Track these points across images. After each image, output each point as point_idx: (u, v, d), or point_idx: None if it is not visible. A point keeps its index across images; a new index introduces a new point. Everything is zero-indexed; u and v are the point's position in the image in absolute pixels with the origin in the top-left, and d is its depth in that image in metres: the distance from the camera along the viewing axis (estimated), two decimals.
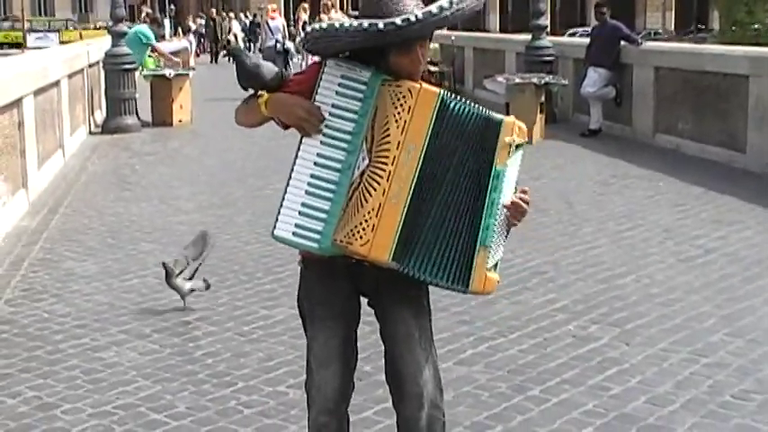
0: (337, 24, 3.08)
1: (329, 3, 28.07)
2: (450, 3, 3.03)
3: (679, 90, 13.40)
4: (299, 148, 3.12)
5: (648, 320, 5.94)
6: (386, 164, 3.04)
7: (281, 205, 3.09)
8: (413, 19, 2.97)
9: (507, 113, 14.15)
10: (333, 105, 3.09)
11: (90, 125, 16.49)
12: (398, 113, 3.06)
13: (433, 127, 3.05)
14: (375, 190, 3.04)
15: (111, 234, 8.53)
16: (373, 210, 3.03)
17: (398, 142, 3.04)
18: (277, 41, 23.95)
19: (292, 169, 3.11)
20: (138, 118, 16.55)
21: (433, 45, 20.22)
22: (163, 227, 8.79)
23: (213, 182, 11.20)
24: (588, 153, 13.09)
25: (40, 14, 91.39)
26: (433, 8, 3.01)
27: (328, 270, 3.22)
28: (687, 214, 9.04)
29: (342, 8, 41.68)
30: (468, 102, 3.10)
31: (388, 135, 3.05)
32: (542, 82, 14.41)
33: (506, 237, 3.20)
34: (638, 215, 8.99)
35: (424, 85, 3.11)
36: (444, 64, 22.84)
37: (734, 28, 45.14)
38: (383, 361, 3.35)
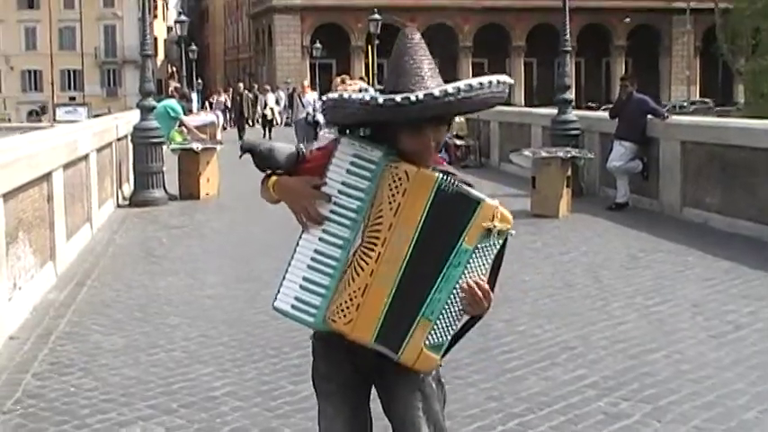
0: (345, 95, 3.12)
1: (348, 77, 29.03)
2: (458, 90, 2.99)
3: (706, 164, 13.38)
4: None
5: (680, 397, 5.86)
6: (376, 245, 3.03)
7: (284, 278, 3.12)
8: (413, 99, 2.97)
9: (533, 187, 14.28)
10: (342, 183, 3.10)
11: (118, 198, 16.62)
12: (393, 196, 3.03)
13: (428, 212, 3.02)
14: (363, 270, 3.03)
15: (139, 307, 8.54)
16: (359, 289, 3.03)
17: (390, 224, 3.03)
18: (308, 114, 24.93)
19: (297, 243, 3.13)
20: (166, 191, 16.68)
21: (459, 119, 20.38)
22: (190, 301, 8.79)
23: (240, 255, 11.22)
24: (615, 227, 13.05)
25: (69, 89, 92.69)
26: (436, 91, 2.98)
27: (331, 344, 3.20)
28: (716, 289, 8.96)
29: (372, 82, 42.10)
30: (460, 184, 3.05)
31: (381, 216, 3.04)
32: (568, 156, 14.42)
33: (457, 325, 3.08)
34: (667, 290, 8.92)
35: (422, 169, 3.05)
36: (470, 137, 22.97)
37: (761, 100, 45.23)
38: None
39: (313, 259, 3.08)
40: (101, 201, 14.13)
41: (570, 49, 17.48)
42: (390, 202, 3.03)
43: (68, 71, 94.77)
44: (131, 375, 6.49)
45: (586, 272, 9.76)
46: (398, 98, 2.97)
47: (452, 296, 3.03)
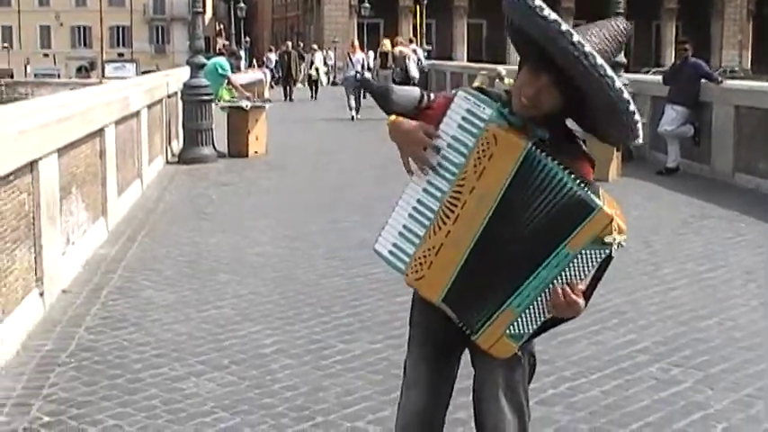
0: None
1: (399, 39, 29.74)
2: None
3: (759, 129, 13.21)
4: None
5: (733, 365, 5.81)
6: (456, 206, 3.01)
7: (387, 222, 3.15)
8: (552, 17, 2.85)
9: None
10: (452, 137, 3.06)
11: (167, 155, 16.70)
12: (479, 158, 2.98)
13: (511, 180, 2.95)
14: (440, 229, 3.03)
15: (189, 264, 8.59)
16: (434, 248, 3.04)
17: (472, 187, 2.99)
18: (357, 72, 26.77)
19: (404, 191, 3.14)
20: (215, 149, 16.73)
21: (509, 80, 20.24)
22: (239, 258, 8.82)
23: (289, 214, 11.25)
24: (665, 192, 12.93)
25: (118, 45, 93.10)
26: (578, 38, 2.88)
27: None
28: None
29: (417, 43, 41.86)
30: (559, 165, 2.92)
31: (465, 177, 3.01)
32: None
33: (542, 322, 3.02)
34: (719, 256, 8.84)
35: (512, 134, 2.97)
36: None
37: None
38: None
39: (414, 209, 3.09)
40: (151, 157, 14.20)
41: (622, 11, 17.24)
42: (476, 165, 2.98)
43: (117, 27, 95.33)
44: (182, 331, 6.54)
45: (636, 237, 9.67)
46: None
47: (543, 294, 2.97)
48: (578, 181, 2.92)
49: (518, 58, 3.17)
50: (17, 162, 6.41)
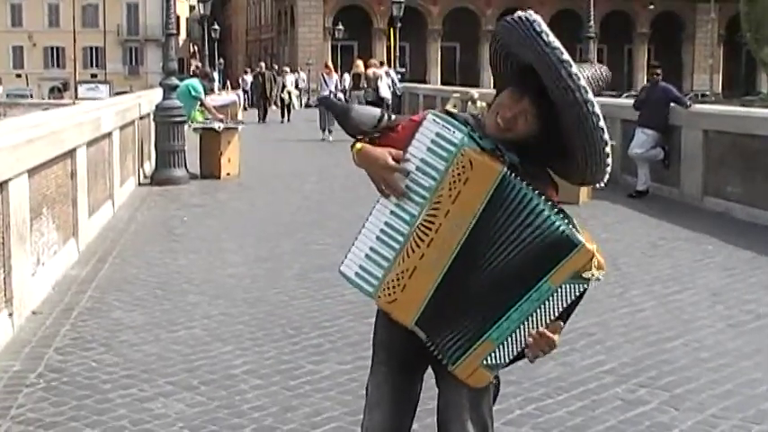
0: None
1: (373, 61, 30.56)
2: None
3: (728, 153, 13.35)
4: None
5: (698, 385, 5.87)
6: (430, 229, 3.03)
7: (353, 244, 3.15)
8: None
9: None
10: (421, 160, 3.07)
11: (139, 176, 16.69)
12: (454, 182, 3.00)
13: (486, 205, 2.97)
14: (413, 252, 3.04)
15: (160, 285, 8.59)
16: (407, 270, 3.05)
17: (447, 210, 3.01)
18: (331, 92, 27.47)
19: (371, 212, 3.16)
20: (187, 170, 16.74)
21: (481, 104, 20.38)
22: (210, 279, 8.83)
23: (261, 235, 11.27)
24: (635, 214, 13.04)
25: (91, 66, 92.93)
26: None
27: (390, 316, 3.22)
28: (737, 278, 8.96)
29: (390, 65, 42.01)
30: (534, 191, 2.96)
31: (440, 201, 3.02)
32: None
33: (516, 355, 3.05)
34: (687, 278, 8.92)
35: (487, 158, 3.01)
36: None
37: None
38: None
39: (382, 231, 3.10)
40: (123, 178, 14.19)
41: (594, 35, 17.42)
42: (451, 188, 3.00)
43: (90, 48, 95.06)
44: (152, 352, 6.54)
45: (606, 259, 9.66)
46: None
47: (522, 326, 3.00)
48: (554, 209, 2.96)
49: (491, 81, 3.23)
50: None
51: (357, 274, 3.13)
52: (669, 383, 5.90)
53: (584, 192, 13.63)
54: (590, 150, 3.03)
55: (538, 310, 2.98)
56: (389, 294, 3.07)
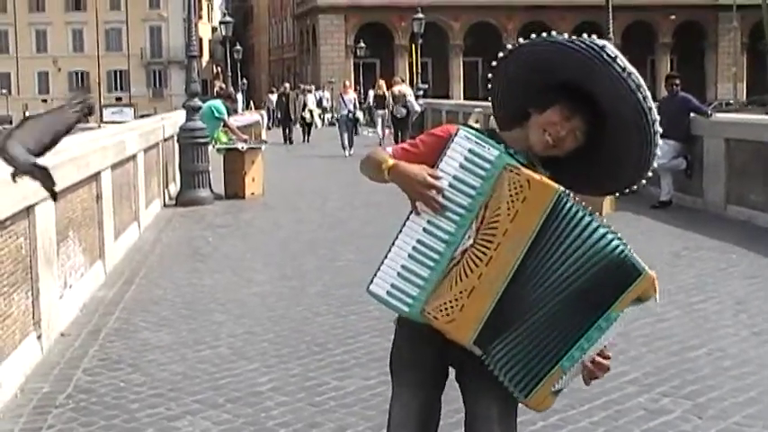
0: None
1: (397, 78, 31.28)
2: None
3: (750, 161, 13.33)
4: (411, 212, 3.12)
5: (721, 394, 5.89)
6: (488, 248, 3.02)
7: (382, 263, 3.10)
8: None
9: None
10: (454, 177, 3.07)
11: (164, 198, 16.82)
12: (512, 201, 3.00)
13: (542, 223, 3.00)
14: (472, 272, 3.02)
15: (185, 305, 8.68)
16: (466, 290, 3.02)
17: (506, 229, 3.01)
18: (349, 111, 28.93)
19: (401, 230, 3.11)
20: (212, 191, 16.86)
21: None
22: (235, 298, 8.91)
23: (285, 254, 11.34)
24: (659, 225, 13.03)
25: (116, 90, 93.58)
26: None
27: (419, 334, 3.22)
28: (760, 287, 8.95)
29: (412, 84, 42.21)
30: (590, 212, 3.01)
31: (498, 220, 3.01)
32: None
33: (574, 375, 3.11)
34: (710, 287, 8.93)
35: (545, 178, 3.04)
36: None
37: None
38: None
39: (414, 249, 3.07)
40: (148, 200, 14.32)
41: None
42: (509, 207, 3.00)
43: (114, 72, 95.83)
44: (179, 371, 6.62)
45: None
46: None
47: (585, 354, 3.05)
48: (606, 226, 3.02)
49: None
50: (14, 207, 6.51)
51: (389, 293, 3.09)
52: (692, 392, 5.92)
53: (607, 204, 13.63)
54: (644, 158, 3.17)
55: (603, 337, 3.04)
56: (447, 315, 3.03)
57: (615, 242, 3.01)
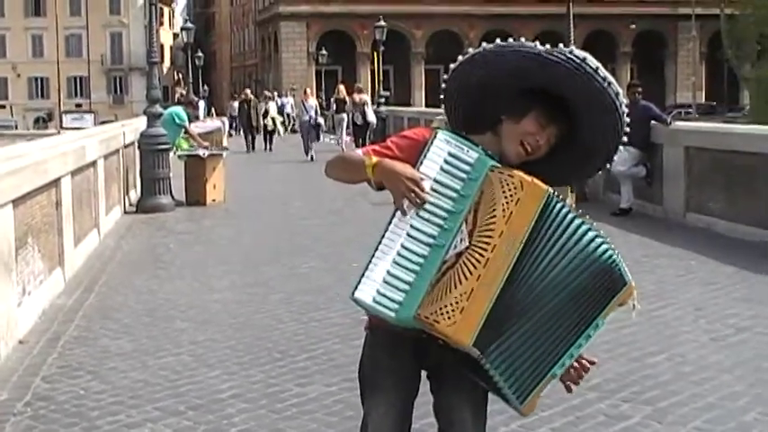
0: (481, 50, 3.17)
1: (358, 85, 32.03)
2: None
3: (710, 169, 13.45)
4: (393, 215, 3.08)
5: (681, 399, 5.93)
6: (485, 250, 3.01)
7: (366, 268, 3.05)
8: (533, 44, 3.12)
9: None
10: (435, 180, 3.06)
11: (125, 204, 16.72)
12: (506, 203, 3.02)
13: (533, 225, 3.02)
14: (471, 274, 3.01)
15: (147, 312, 8.62)
16: (465, 293, 3.01)
17: (501, 232, 3.01)
18: (310, 117, 29.81)
19: (383, 235, 3.07)
20: (173, 197, 16.79)
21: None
22: (197, 305, 8.87)
23: (247, 261, 11.31)
24: (619, 232, 13.08)
25: (76, 96, 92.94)
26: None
27: (396, 341, 3.22)
28: (719, 293, 9.03)
29: (374, 92, 42.36)
30: (577, 214, 3.07)
31: (493, 223, 3.02)
32: None
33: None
34: (670, 294, 8.99)
35: (536, 180, 3.07)
36: None
37: (766, 106, 45.24)
38: None
39: (399, 254, 3.04)
40: (108, 207, 14.23)
41: None
42: (504, 209, 3.01)
43: (75, 78, 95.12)
44: (139, 378, 6.57)
45: None
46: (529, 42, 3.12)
47: (572, 360, 3.15)
48: (595, 230, 3.09)
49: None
50: None
51: (375, 299, 3.04)
52: (652, 398, 5.96)
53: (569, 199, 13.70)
54: (613, 146, 3.26)
55: (587, 344, 3.13)
56: (448, 318, 3.00)
57: (604, 246, 3.08)
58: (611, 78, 3.10)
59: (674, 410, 5.72)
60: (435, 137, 3.11)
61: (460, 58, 3.22)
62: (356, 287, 3.05)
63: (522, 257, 3.03)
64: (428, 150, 3.09)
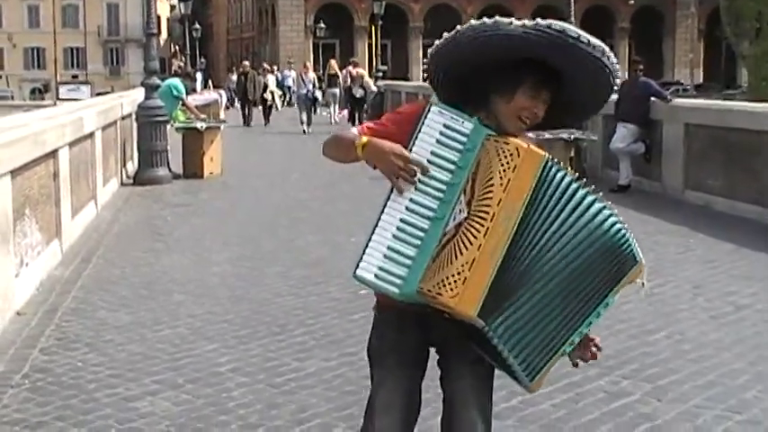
0: (459, 28, 3.10)
1: (356, 60, 32.40)
2: (549, 25, 3.05)
3: (708, 146, 13.43)
4: (391, 191, 3.05)
5: (680, 377, 5.92)
6: (485, 219, 2.97)
7: (366, 245, 3.02)
8: (516, 22, 3.03)
9: None
10: (432, 153, 3.03)
11: (122, 176, 16.67)
12: (503, 171, 2.98)
13: (531, 193, 2.99)
14: (471, 244, 2.97)
15: (144, 285, 8.60)
16: (467, 263, 2.96)
17: (500, 200, 2.97)
18: (308, 90, 30.06)
19: (382, 211, 3.04)
20: (170, 170, 16.73)
21: None
22: (194, 278, 8.84)
23: (244, 234, 11.28)
24: (618, 209, 12.96)
25: (72, 67, 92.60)
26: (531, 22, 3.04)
27: (402, 317, 3.21)
28: (718, 270, 9.02)
29: (371, 66, 42.41)
30: (576, 179, 3.04)
31: (491, 192, 2.98)
32: (572, 137, 14.44)
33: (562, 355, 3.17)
34: (669, 271, 8.97)
35: (533, 146, 3.04)
36: None
37: (763, 84, 45.16)
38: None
39: (399, 228, 3.01)
40: (105, 179, 14.18)
41: None
42: (501, 177, 2.98)
43: (71, 49, 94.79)
44: (137, 351, 6.55)
45: None
46: (505, 20, 3.02)
47: (582, 336, 3.14)
48: (601, 201, 3.05)
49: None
50: None
51: (377, 275, 3.01)
52: (652, 375, 5.95)
53: None
54: (607, 95, 3.23)
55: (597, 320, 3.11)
56: (451, 289, 2.96)
57: (612, 220, 3.05)
58: (595, 42, 3.04)
59: (674, 388, 5.71)
60: (429, 110, 3.07)
61: (438, 43, 3.16)
62: (357, 265, 3.02)
63: (523, 225, 3.00)
64: (422, 124, 3.06)
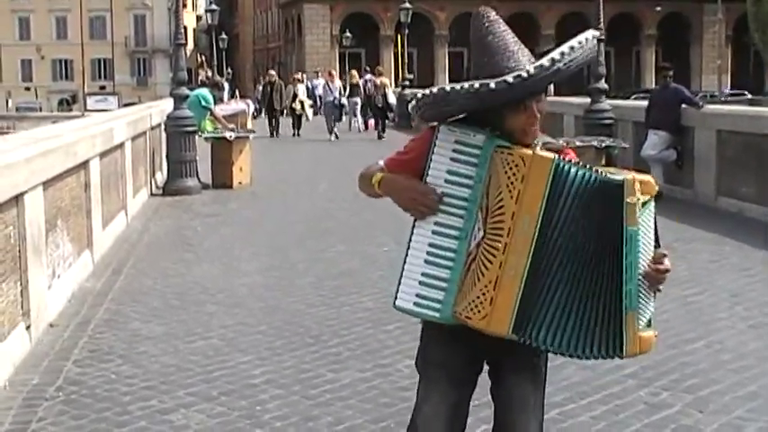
0: (447, 88, 3.03)
1: (380, 68, 32.87)
2: (562, 54, 3.00)
3: (741, 153, 13.29)
4: (415, 220, 3.07)
5: (721, 388, 5.83)
6: (501, 235, 2.96)
7: (401, 275, 3.05)
8: (525, 75, 2.94)
9: None
10: (448, 172, 3.04)
11: (151, 187, 16.68)
12: (512, 183, 2.96)
13: (548, 195, 2.95)
14: (491, 263, 2.96)
15: (175, 295, 8.57)
16: (491, 283, 2.95)
17: (513, 212, 2.95)
18: (335, 98, 31.15)
19: (410, 239, 3.07)
20: (199, 180, 16.73)
21: None
22: (226, 289, 8.81)
23: (274, 244, 11.24)
24: None
25: (100, 78, 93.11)
26: (545, 61, 2.98)
27: (448, 332, 3.17)
28: (755, 279, 8.91)
29: (397, 74, 42.50)
30: (586, 166, 3.00)
31: (502, 206, 2.96)
32: (602, 145, 14.36)
33: (654, 293, 3.10)
34: (704, 279, 8.87)
35: (537, 151, 3.01)
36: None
37: None
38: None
39: (429, 253, 3.03)
40: (135, 189, 14.19)
41: (603, 37, 17.35)
42: (510, 190, 2.95)
43: (99, 60, 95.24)
44: (171, 363, 6.52)
45: None
46: (510, 78, 2.93)
47: (641, 278, 3.03)
48: (590, 167, 3.01)
49: None
50: (2, 196, 6.40)
51: (416, 303, 3.05)
52: (692, 386, 5.86)
53: None
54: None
55: (641, 255, 3.01)
56: (479, 311, 2.96)
57: (602, 179, 2.99)
58: (570, 56, 3.04)
59: (715, 399, 5.62)
60: (439, 130, 3.08)
61: (422, 98, 3.13)
62: (396, 296, 3.07)
63: (545, 230, 2.96)
64: (434, 145, 3.07)
